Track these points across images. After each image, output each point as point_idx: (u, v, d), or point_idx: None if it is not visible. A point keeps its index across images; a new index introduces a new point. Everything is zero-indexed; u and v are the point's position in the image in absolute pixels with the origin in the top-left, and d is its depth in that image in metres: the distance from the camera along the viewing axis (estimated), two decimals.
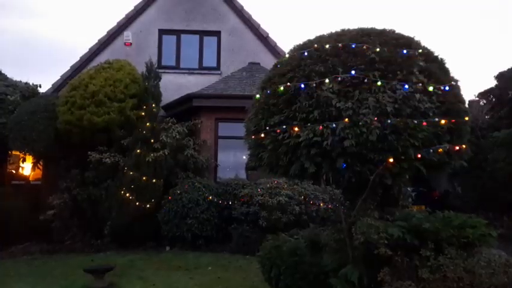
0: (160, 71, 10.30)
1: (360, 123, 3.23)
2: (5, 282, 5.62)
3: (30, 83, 11.03)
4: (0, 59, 30.30)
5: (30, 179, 10.58)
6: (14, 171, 10.94)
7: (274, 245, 4.09)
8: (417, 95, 3.37)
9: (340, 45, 3.65)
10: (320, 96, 3.41)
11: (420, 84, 3.41)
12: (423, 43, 3.93)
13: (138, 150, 8.34)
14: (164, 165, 8.46)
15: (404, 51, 3.58)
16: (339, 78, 3.42)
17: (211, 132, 10.00)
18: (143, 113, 8.80)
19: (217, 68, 11.82)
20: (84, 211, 8.51)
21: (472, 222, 3.34)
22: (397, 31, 4.02)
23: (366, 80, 3.39)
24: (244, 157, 9.71)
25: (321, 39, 3.97)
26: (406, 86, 3.35)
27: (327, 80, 3.45)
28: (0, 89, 9.81)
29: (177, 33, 11.98)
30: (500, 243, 3.66)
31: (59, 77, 11.31)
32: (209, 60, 11.92)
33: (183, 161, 9.06)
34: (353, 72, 3.44)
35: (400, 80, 3.41)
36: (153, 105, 8.96)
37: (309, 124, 3.40)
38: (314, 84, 3.47)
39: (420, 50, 3.68)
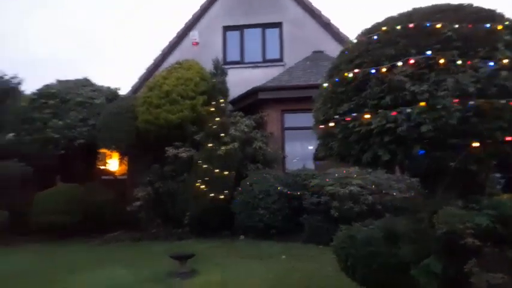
0: (226, 67, 10.66)
1: (438, 107, 3.04)
2: (103, 266, 6.35)
3: (112, 87, 12.14)
4: (86, 67, 33.78)
5: (117, 174, 11.70)
6: (102, 168, 12.20)
7: (348, 235, 4.04)
8: (503, 73, 3.07)
9: (411, 25, 3.45)
10: (392, 81, 3.27)
11: (506, 61, 3.10)
12: (507, 15, 3.55)
13: (209, 144, 8.77)
14: (234, 157, 8.78)
15: (487, 25, 3.27)
16: (412, 61, 3.25)
17: (278, 123, 10.11)
18: (213, 109, 9.21)
19: (281, 59, 11.86)
20: (165, 202, 9.21)
21: None
22: (475, 4, 3.69)
23: (442, 60, 3.16)
24: (311, 147, 9.67)
25: (389, 21, 3.79)
26: (491, 63, 3.07)
27: (399, 63, 3.29)
28: (88, 94, 10.95)
29: (240, 28, 12.25)
30: None
31: (137, 80, 12.31)
32: (272, 53, 12.01)
33: (251, 153, 9.31)
34: (428, 52, 3.24)
35: (482, 57, 3.13)
36: (221, 100, 9.33)
37: (380, 110, 3.29)
38: (385, 69, 3.33)
39: (507, 23, 3.32)
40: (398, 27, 3.49)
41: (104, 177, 11.68)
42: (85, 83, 11.60)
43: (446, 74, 3.14)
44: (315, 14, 11.80)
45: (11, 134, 11.44)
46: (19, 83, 14.60)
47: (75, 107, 10.50)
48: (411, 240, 3.46)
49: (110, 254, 7.35)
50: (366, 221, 4.38)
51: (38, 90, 11.01)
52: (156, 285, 5.21)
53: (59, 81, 11.56)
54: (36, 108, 10.45)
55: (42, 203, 9.16)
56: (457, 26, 3.24)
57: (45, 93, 10.69)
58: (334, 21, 11.70)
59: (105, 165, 12.04)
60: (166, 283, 5.27)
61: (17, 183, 9.63)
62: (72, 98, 10.61)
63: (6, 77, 14.26)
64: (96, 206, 9.37)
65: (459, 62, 3.10)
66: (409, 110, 3.13)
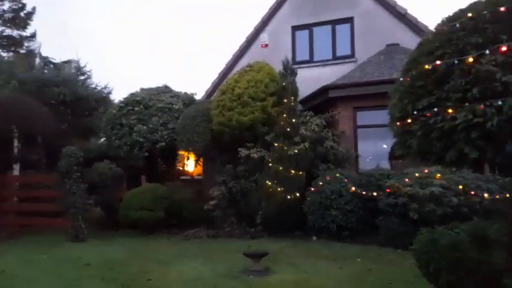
0: (295, 66, 10.66)
1: None
2: (184, 260, 6.78)
3: (189, 92, 12.88)
4: (164, 77, 36.45)
5: (194, 174, 12.40)
6: (181, 168, 13.01)
7: (430, 239, 3.79)
8: None
9: (502, 8, 3.12)
10: (480, 71, 2.99)
11: None
12: None
13: (280, 145, 8.84)
14: (305, 157, 8.74)
15: None
16: (504, 48, 2.94)
17: (350, 122, 9.82)
18: (282, 110, 9.27)
19: (352, 55, 11.51)
20: (238, 201, 9.51)
21: None
22: None
23: None
24: (385, 146, 9.23)
25: (475, 6, 3.47)
26: None
27: (487, 52, 3.01)
28: (168, 100, 11.77)
29: (309, 27, 12.17)
30: None
31: (210, 84, 12.93)
32: (343, 49, 11.72)
33: (323, 153, 9.19)
34: None
35: None
36: (291, 100, 9.34)
37: (466, 104, 3.03)
38: (471, 59, 3.06)
39: None
40: (486, 12, 3.18)
41: (182, 177, 12.44)
42: (165, 90, 12.49)
43: None
44: (388, 5, 11.24)
45: (103, 139, 12.79)
46: (109, 92, 16.26)
47: (156, 112, 11.35)
48: (504, 247, 3.14)
49: (190, 249, 7.81)
50: (451, 225, 4.07)
51: (124, 98, 12.13)
52: (231, 281, 5.41)
53: (142, 89, 12.59)
54: (124, 114, 11.51)
55: (130, 200, 10.06)
56: None
57: (131, 101, 11.72)
58: (411, 11, 11.03)
59: (183, 166, 12.83)
60: (241, 280, 5.44)
61: (108, 182, 10.73)
62: (154, 104, 11.50)
63: (99, 88, 15.99)
64: (177, 204, 10.03)
65: None
66: (500, 103, 2.84)
